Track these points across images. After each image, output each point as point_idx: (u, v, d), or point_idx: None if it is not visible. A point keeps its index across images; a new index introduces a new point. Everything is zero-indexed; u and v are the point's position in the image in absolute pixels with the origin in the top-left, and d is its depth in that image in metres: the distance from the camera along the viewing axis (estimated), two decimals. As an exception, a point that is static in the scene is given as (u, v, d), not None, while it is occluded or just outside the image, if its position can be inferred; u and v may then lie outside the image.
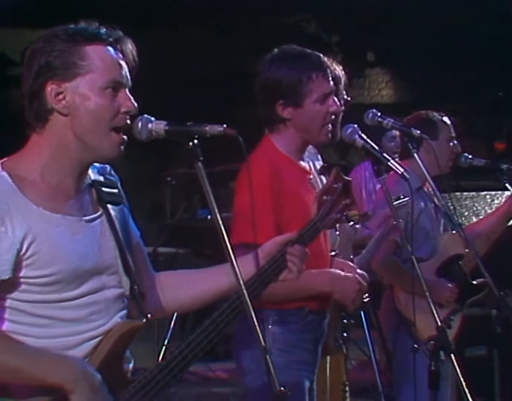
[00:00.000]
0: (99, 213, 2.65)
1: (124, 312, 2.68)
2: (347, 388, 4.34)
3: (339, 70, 4.25)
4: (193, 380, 7.75)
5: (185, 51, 9.78)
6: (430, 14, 9.22)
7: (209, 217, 9.12)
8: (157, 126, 2.63)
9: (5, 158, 2.57)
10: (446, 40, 9.42)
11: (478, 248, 4.74)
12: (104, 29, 2.59)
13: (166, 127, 2.63)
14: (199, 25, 9.50)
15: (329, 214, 3.00)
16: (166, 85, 9.32)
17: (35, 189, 2.52)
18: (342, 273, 3.72)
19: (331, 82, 3.84)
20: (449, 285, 4.89)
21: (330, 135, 3.88)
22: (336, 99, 3.87)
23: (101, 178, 2.72)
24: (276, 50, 3.85)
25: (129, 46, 2.65)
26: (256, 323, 2.46)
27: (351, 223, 4.16)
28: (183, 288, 2.92)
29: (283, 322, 3.61)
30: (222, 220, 2.52)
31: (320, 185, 4.08)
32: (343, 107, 4.20)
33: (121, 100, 2.57)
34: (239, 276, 2.51)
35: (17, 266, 2.45)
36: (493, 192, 7.13)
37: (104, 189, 2.69)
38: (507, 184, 5.02)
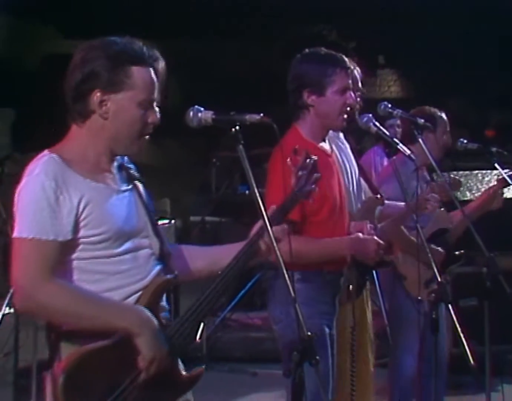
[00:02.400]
0: (131, 187, 2.70)
1: (156, 269, 2.68)
2: (354, 332, 4.31)
3: (356, 71, 4.27)
4: (235, 326, 7.78)
5: (231, 56, 9.84)
6: (431, 23, 9.19)
7: (247, 192, 9.16)
8: (205, 115, 2.67)
9: (51, 148, 2.61)
10: (443, 45, 9.39)
11: (461, 224, 4.81)
12: (146, 51, 2.62)
13: (213, 116, 2.68)
14: (241, 35, 9.51)
15: (305, 186, 2.98)
16: (216, 85, 9.34)
17: (80, 166, 2.56)
18: (361, 236, 3.69)
19: (350, 80, 3.82)
20: (439, 249, 4.88)
21: (344, 123, 3.86)
22: (352, 94, 3.85)
23: (124, 163, 2.75)
24: (307, 50, 3.86)
25: (162, 66, 2.68)
26: (287, 280, 2.47)
27: (378, 195, 4.23)
28: (200, 259, 2.92)
29: (305, 280, 3.58)
30: (258, 194, 2.56)
31: (342, 165, 4.13)
32: (359, 101, 4.21)
33: (150, 113, 2.62)
34: (272, 238, 2.54)
35: (75, 227, 2.49)
36: (484, 171, 7.10)
37: (129, 170, 2.74)
38: (496, 164, 4.95)
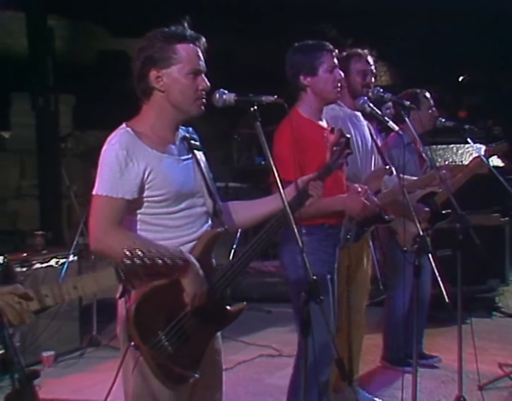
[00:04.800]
0: (190, 156, 2.71)
1: (208, 224, 2.72)
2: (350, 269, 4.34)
3: (370, 57, 4.42)
4: (252, 272, 7.80)
5: (248, 49, 9.79)
6: (415, 23, 9.09)
7: (262, 162, 9.16)
8: (229, 96, 2.68)
9: (128, 122, 2.64)
10: (424, 42, 9.32)
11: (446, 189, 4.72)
12: (188, 31, 2.63)
13: (235, 97, 2.68)
14: (256, 32, 9.44)
15: (338, 159, 3.01)
16: (236, 72, 9.31)
17: (148, 139, 2.59)
18: (352, 196, 3.64)
19: (336, 60, 3.78)
20: (426, 209, 4.86)
21: (339, 95, 3.84)
22: (340, 71, 3.83)
23: (187, 135, 2.76)
24: (296, 43, 3.84)
25: (203, 42, 2.68)
26: (296, 232, 2.47)
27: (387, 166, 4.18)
28: (243, 212, 2.92)
29: (310, 233, 3.55)
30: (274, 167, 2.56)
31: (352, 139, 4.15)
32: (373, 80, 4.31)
33: (199, 81, 2.64)
34: (285, 200, 2.55)
35: (141, 188, 2.55)
36: (458, 145, 7.04)
37: (191, 141, 2.74)
38: (468, 139, 4.92)
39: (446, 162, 6.95)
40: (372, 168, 4.31)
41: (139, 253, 1.87)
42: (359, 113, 4.26)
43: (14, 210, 8.88)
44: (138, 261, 1.86)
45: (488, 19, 8.70)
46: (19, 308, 1.82)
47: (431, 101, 5.12)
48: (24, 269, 5.26)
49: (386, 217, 4.13)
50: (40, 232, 5.94)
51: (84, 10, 8.69)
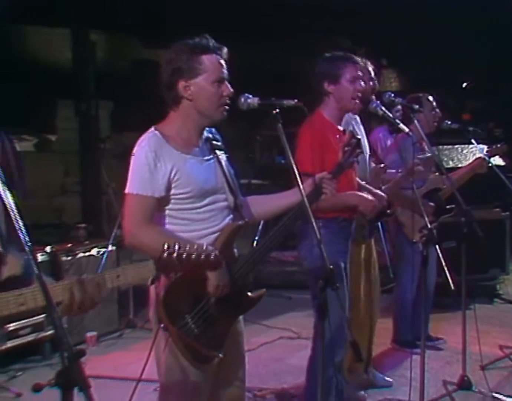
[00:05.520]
0: (212, 156, 2.69)
1: (230, 217, 2.70)
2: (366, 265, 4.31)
3: (369, 67, 4.29)
4: (273, 262, 7.79)
5: (272, 59, 9.75)
6: (422, 32, 8.99)
7: (282, 161, 9.15)
8: (253, 100, 2.67)
9: (156, 125, 2.63)
10: (430, 49, 9.21)
11: (450, 186, 4.67)
12: (211, 42, 2.61)
13: (259, 101, 2.67)
14: (280, 44, 9.40)
15: (349, 158, 2.98)
16: (259, 79, 9.29)
17: (175, 142, 2.59)
18: (364, 195, 3.66)
19: (359, 71, 3.77)
20: (430, 203, 4.82)
21: (356, 106, 3.80)
22: (363, 82, 3.81)
23: (211, 136, 2.74)
24: (327, 54, 3.83)
25: (225, 52, 2.66)
26: (314, 224, 2.47)
27: (382, 165, 4.21)
28: (262, 205, 2.90)
29: (325, 226, 3.53)
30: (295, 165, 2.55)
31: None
32: (373, 88, 4.24)
33: (223, 88, 2.62)
34: (303, 193, 2.54)
35: (168, 187, 2.54)
36: (463, 146, 6.97)
37: (213, 142, 2.72)
38: (472, 140, 4.91)
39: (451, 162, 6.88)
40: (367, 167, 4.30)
41: (176, 247, 1.87)
42: (358, 118, 4.22)
43: (59, 205, 8.91)
44: (175, 255, 1.86)
45: (488, 21, 8.54)
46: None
47: (434, 103, 5.07)
48: (69, 258, 5.33)
49: (388, 211, 4.11)
50: (82, 225, 6.01)
51: (121, 25, 8.76)
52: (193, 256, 1.89)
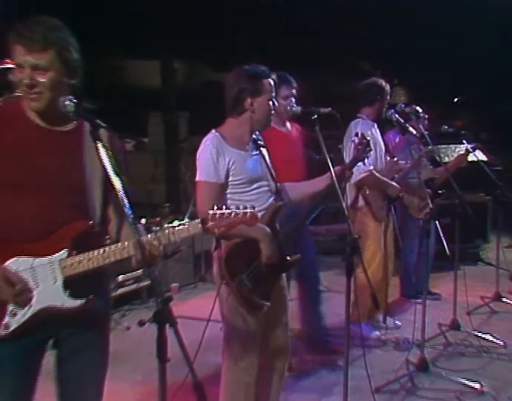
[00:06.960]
0: (258, 152, 2.66)
1: (272, 198, 2.66)
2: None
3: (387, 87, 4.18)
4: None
5: (313, 82, 9.58)
6: (425, 57, 8.70)
7: (317, 157, 8.99)
8: (297, 108, 2.70)
9: (215, 128, 2.59)
10: (431, 72, 8.92)
11: (443, 175, 4.61)
12: (265, 68, 2.58)
13: (302, 109, 2.68)
14: (321, 69, 9.21)
15: (361, 155, 2.87)
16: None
17: (231, 141, 2.56)
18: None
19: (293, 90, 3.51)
20: (427, 190, 4.73)
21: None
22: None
23: (255, 136, 2.69)
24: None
25: (274, 76, 2.63)
26: (343, 203, 2.46)
27: (395, 159, 4.11)
28: (296, 190, 2.84)
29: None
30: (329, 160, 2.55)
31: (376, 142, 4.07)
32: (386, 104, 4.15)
33: (272, 104, 2.59)
34: (335, 182, 2.52)
35: (227, 175, 2.52)
36: (456, 145, 6.79)
37: (258, 142, 2.69)
38: (464, 141, 4.82)
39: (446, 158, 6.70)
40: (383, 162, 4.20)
41: (220, 211, 1.85)
42: (375, 124, 4.14)
43: (150, 190, 9.05)
44: (218, 213, 1.84)
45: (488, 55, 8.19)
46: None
47: (421, 113, 4.77)
48: (157, 228, 5.36)
49: (400, 195, 4.06)
50: (166, 204, 6.07)
51: (195, 55, 8.83)
52: (232, 214, 1.85)
